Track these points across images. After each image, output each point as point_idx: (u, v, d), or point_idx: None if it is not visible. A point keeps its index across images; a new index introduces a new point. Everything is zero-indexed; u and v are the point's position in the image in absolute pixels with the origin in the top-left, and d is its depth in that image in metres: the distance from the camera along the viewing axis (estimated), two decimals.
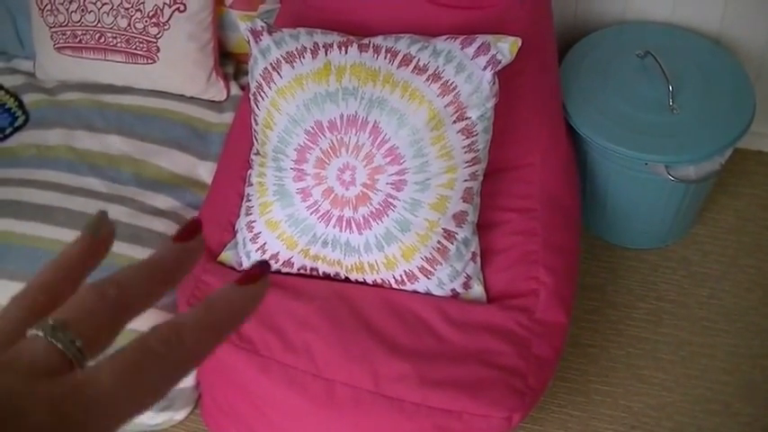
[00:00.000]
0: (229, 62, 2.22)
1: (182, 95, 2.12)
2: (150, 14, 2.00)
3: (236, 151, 1.89)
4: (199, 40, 2.04)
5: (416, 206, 1.55)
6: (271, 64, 1.62)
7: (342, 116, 1.54)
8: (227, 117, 2.09)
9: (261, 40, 1.65)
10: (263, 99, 1.63)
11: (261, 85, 1.63)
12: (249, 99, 1.71)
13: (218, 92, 2.11)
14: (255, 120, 1.67)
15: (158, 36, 2.01)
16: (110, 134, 2.05)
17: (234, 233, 1.76)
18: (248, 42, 1.67)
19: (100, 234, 0.43)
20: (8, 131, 2.13)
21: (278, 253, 1.65)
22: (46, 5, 2.08)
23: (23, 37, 2.30)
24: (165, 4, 1.99)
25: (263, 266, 0.43)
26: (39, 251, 1.80)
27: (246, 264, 1.70)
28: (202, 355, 0.38)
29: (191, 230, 0.43)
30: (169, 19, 2.00)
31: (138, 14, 2.00)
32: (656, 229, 2.12)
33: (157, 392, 0.37)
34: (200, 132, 2.07)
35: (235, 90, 2.15)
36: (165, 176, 1.99)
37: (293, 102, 1.57)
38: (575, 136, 1.94)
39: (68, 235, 1.82)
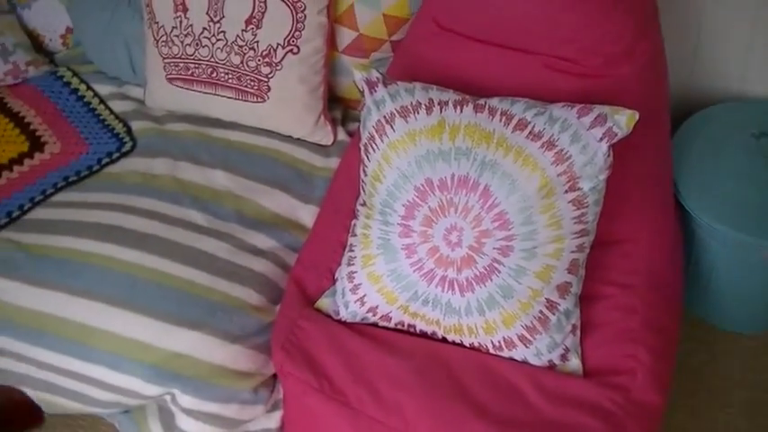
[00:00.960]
0: (338, 107, 2.30)
1: (288, 136, 2.20)
2: (264, 54, 2.08)
3: (340, 198, 1.96)
4: (310, 83, 2.12)
5: (521, 273, 1.59)
6: (384, 117, 1.68)
7: (453, 176, 1.59)
8: (333, 162, 2.16)
9: (375, 91, 1.72)
10: (374, 151, 1.69)
11: (373, 136, 1.69)
12: (359, 148, 1.77)
13: (324, 136, 2.19)
14: (365, 171, 1.73)
15: (270, 76, 2.10)
16: (215, 168, 2.14)
17: (333, 281, 1.82)
18: (362, 92, 1.74)
19: None
20: (115, 156, 2.23)
21: (377, 306, 1.71)
22: (161, 37, 2.18)
23: (136, 65, 2.42)
24: (278, 45, 2.07)
25: None
26: (138, 280, 1.88)
27: (344, 313, 1.76)
28: None
29: None
30: (282, 60, 2.08)
31: (252, 53, 2.09)
32: (761, 314, 2.12)
33: None
34: (305, 175, 2.14)
35: (342, 135, 2.22)
36: (267, 216, 2.06)
37: (405, 157, 1.63)
38: (682, 213, 1.96)
39: (168, 266, 1.90)
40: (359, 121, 2.17)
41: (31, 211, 2.15)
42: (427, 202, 1.61)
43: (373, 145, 1.69)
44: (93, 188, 2.16)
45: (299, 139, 2.21)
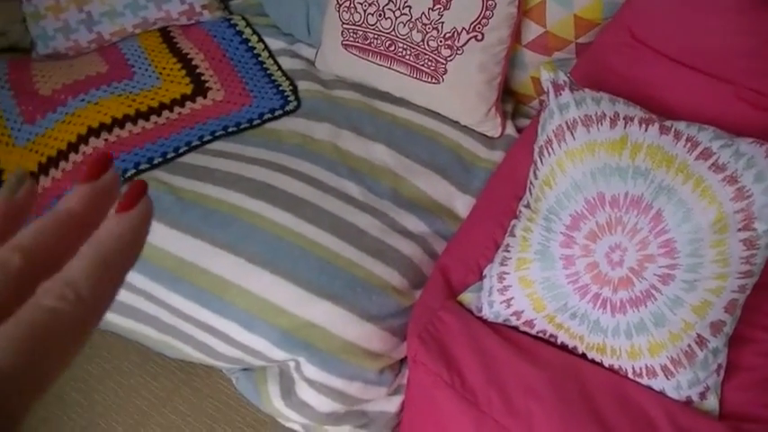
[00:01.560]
0: (509, 99, 2.39)
1: (455, 122, 2.31)
2: (447, 36, 2.19)
3: (500, 195, 2.06)
4: (489, 73, 2.23)
5: (677, 304, 1.66)
6: (567, 122, 1.76)
7: (626, 194, 1.67)
8: (496, 155, 2.26)
9: (561, 94, 1.80)
10: (548, 155, 1.78)
11: (550, 140, 1.78)
12: (533, 150, 1.85)
13: (493, 127, 2.29)
14: (535, 173, 1.82)
15: (449, 59, 2.21)
16: (376, 142, 2.26)
17: (480, 277, 1.92)
18: (547, 93, 1.82)
19: (18, 197, 0.42)
20: (277, 113, 2.38)
21: (522, 311, 1.80)
22: (345, 2, 2.32)
23: (312, 25, 2.57)
24: (463, 29, 2.18)
25: (138, 185, 0.42)
26: (284, 242, 2.01)
27: (487, 312, 1.85)
28: (102, 305, 0.38)
29: (99, 165, 0.42)
30: (464, 44, 2.19)
31: (435, 33, 2.20)
32: None
33: (65, 357, 0.36)
34: (466, 164, 2.25)
35: (510, 129, 2.32)
36: (422, 199, 2.17)
37: (580, 167, 1.71)
38: None
39: (316, 233, 2.03)
40: (529, 117, 2.28)
41: (186, 154, 2.31)
42: (595, 216, 1.69)
43: (549, 149, 1.78)
44: (250, 142, 2.31)
45: (465, 126, 2.31)
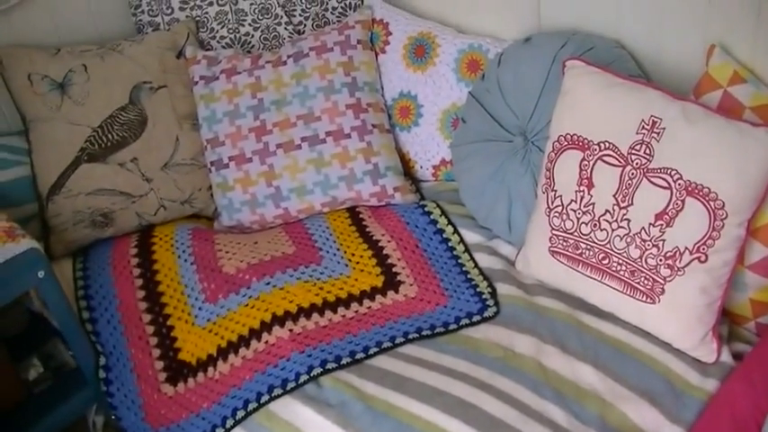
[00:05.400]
0: (724, 321, 2.28)
1: (667, 344, 2.20)
2: (668, 255, 2.10)
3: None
4: (709, 296, 2.12)
5: None
6: None
7: None
8: (709, 383, 2.13)
9: None
10: None
11: None
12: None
13: (708, 353, 2.17)
14: None
15: (669, 279, 2.12)
16: (583, 362, 2.17)
17: None
18: None
19: None
20: (475, 319, 2.31)
21: None
22: (556, 207, 2.26)
23: (514, 222, 2.52)
24: (686, 249, 2.08)
25: None
26: None
27: None
28: None
29: None
30: (687, 265, 2.10)
31: (655, 250, 2.12)
32: None
33: None
34: (677, 391, 2.12)
35: (725, 356, 2.19)
36: (629, 428, 2.04)
37: None
38: None
39: None
40: (745, 340, 2.16)
41: (376, 356, 2.26)
42: None
43: None
44: (446, 350, 2.24)
45: (677, 349, 2.20)
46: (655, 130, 2.09)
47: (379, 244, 2.57)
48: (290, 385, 2.17)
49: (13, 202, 2.65)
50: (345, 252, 2.57)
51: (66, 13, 2.96)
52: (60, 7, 2.94)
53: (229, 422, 2.14)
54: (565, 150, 2.24)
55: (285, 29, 3.04)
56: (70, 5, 2.95)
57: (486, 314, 2.33)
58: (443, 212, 2.69)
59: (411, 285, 2.44)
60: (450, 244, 2.58)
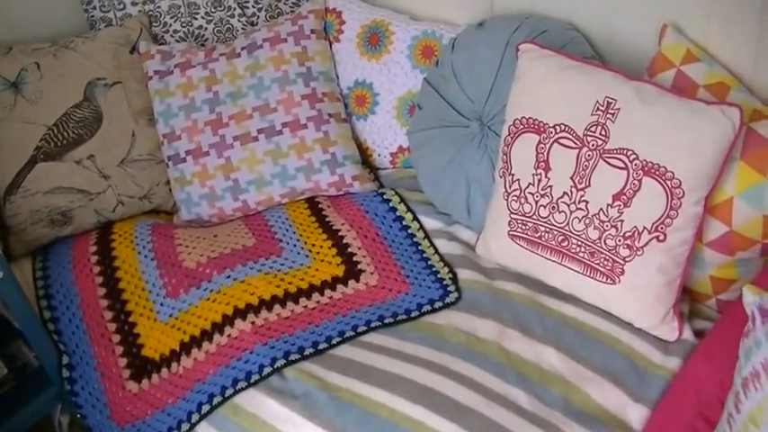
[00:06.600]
0: (685, 299, 2.28)
1: (628, 324, 2.20)
2: (626, 235, 2.10)
3: (681, 411, 1.94)
4: (668, 275, 2.13)
5: None
6: None
7: None
8: (671, 362, 2.14)
9: None
10: (755, 390, 1.65)
11: (758, 374, 1.66)
12: (735, 380, 1.74)
13: (669, 331, 2.18)
14: (737, 407, 1.70)
15: (628, 259, 2.12)
16: (546, 345, 2.17)
17: None
18: (752, 319, 1.71)
19: None
20: (437, 306, 2.30)
21: None
22: (514, 191, 2.25)
23: (473, 207, 2.51)
24: (645, 228, 2.08)
25: None
26: None
27: None
28: None
29: None
30: (645, 245, 2.10)
31: (613, 231, 2.12)
32: None
33: None
34: (639, 370, 2.13)
35: (686, 333, 2.20)
36: (593, 409, 2.04)
37: None
38: None
39: None
40: (705, 317, 2.17)
41: (339, 346, 2.25)
42: None
43: (756, 384, 1.66)
44: (410, 337, 2.23)
45: (639, 328, 2.20)
46: (609, 111, 2.09)
47: (339, 233, 2.55)
48: (255, 378, 2.15)
49: None
50: (306, 243, 2.54)
51: (17, 11, 2.91)
52: (11, 5, 2.88)
53: (195, 417, 2.12)
54: (521, 134, 2.23)
55: (239, 21, 3.01)
56: (21, 3, 2.90)
57: (447, 300, 2.32)
58: (402, 200, 2.68)
59: (372, 274, 2.43)
60: (409, 231, 2.57)
